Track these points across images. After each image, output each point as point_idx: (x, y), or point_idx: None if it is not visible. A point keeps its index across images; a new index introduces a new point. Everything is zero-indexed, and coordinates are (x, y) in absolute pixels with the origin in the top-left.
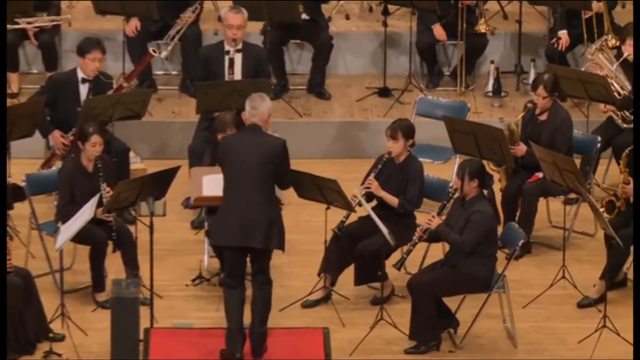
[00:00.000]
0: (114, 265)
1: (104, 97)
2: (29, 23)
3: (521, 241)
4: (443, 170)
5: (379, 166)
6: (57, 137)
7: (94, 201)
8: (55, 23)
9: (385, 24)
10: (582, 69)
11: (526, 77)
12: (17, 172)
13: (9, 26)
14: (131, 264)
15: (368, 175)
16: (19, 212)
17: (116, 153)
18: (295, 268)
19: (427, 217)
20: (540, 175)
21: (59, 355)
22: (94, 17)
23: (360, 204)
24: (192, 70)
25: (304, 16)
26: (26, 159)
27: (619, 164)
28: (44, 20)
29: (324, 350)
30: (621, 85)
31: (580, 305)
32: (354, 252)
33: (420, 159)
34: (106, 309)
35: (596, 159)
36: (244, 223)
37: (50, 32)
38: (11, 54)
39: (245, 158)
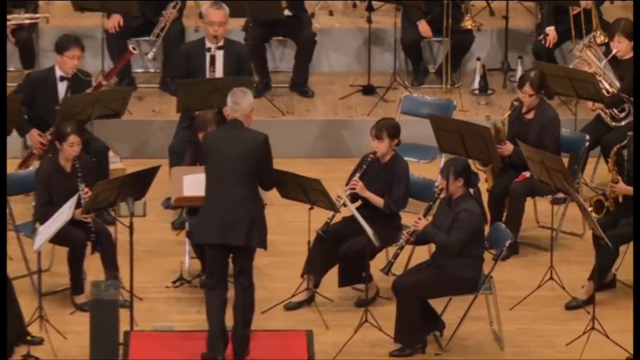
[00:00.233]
0: (93, 267)
1: (83, 96)
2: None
3: (508, 242)
4: (429, 170)
5: (364, 166)
6: (34, 136)
7: (72, 202)
8: (33, 20)
9: (369, 20)
10: (570, 66)
11: (513, 74)
12: None
13: None
14: (110, 265)
15: (353, 175)
16: None
17: (95, 152)
18: (278, 269)
19: (413, 217)
20: (527, 174)
21: (37, 358)
22: (72, 14)
23: (344, 205)
24: (172, 67)
25: (287, 12)
26: None
27: (607, 162)
28: (21, 18)
29: (308, 353)
30: (610, 82)
31: (569, 307)
32: (338, 253)
33: (406, 158)
34: (85, 312)
35: (584, 158)
36: (225, 220)
37: (27, 30)
38: None
39: (226, 154)
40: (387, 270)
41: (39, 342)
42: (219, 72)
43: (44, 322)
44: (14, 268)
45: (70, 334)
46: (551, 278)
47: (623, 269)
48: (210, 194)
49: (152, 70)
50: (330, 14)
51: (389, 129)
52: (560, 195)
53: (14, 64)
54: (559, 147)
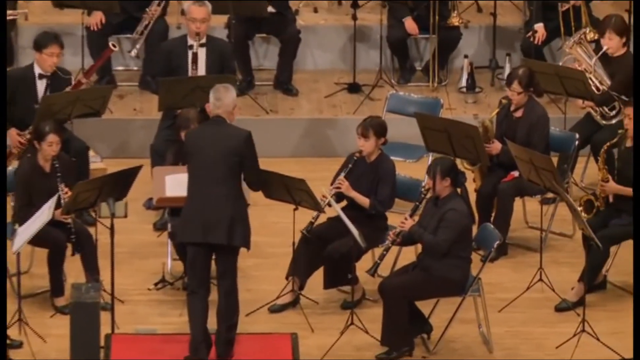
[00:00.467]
0: (74, 269)
1: (63, 94)
2: None
3: (497, 242)
4: (415, 169)
5: (350, 165)
6: (13, 135)
7: (52, 202)
8: (11, 17)
9: (354, 17)
10: (560, 64)
11: (501, 72)
12: None
13: None
14: (91, 267)
15: (338, 174)
16: None
17: (75, 152)
18: (262, 271)
19: (400, 218)
20: (516, 174)
21: None
22: (51, 11)
23: (329, 205)
24: (153, 65)
25: (270, 9)
26: None
27: (597, 161)
28: None
29: (292, 356)
30: (600, 80)
31: (558, 309)
32: (323, 254)
33: (392, 158)
34: (65, 315)
35: (574, 157)
36: (207, 218)
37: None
38: None
39: (208, 151)
40: (372, 271)
41: (18, 345)
42: (202, 70)
43: (23, 325)
44: None
45: (50, 337)
46: (540, 279)
47: (614, 270)
48: (192, 192)
49: (133, 68)
50: (315, 10)
51: (375, 127)
52: (550, 195)
53: None
54: (547, 146)
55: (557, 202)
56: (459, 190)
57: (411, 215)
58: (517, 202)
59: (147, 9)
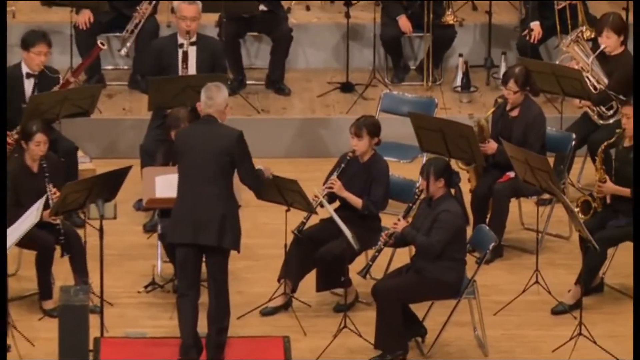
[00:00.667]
0: (62, 272)
1: (51, 93)
2: None
3: (492, 244)
4: (409, 170)
5: (342, 165)
6: None
7: (40, 203)
8: None
9: (347, 15)
10: (556, 62)
11: (496, 71)
12: None
13: None
14: (80, 269)
15: (330, 174)
16: None
17: (64, 152)
18: (254, 273)
19: (394, 219)
20: (511, 174)
21: None
22: (39, 9)
23: (322, 205)
24: (143, 64)
25: (262, 7)
26: None
27: (594, 162)
28: None
29: None
30: (597, 79)
31: (555, 312)
32: (316, 256)
33: (386, 158)
34: (54, 318)
35: (571, 158)
36: (197, 219)
37: None
38: None
39: (198, 150)
40: (364, 273)
41: (6, 349)
42: (192, 69)
43: (11, 329)
44: None
45: (38, 341)
46: (537, 282)
47: (611, 273)
48: (182, 192)
49: (122, 67)
50: (307, 9)
51: (369, 126)
52: (546, 196)
53: None
54: (544, 146)
55: (554, 203)
56: (452, 191)
57: (404, 217)
58: (513, 203)
59: (137, 7)
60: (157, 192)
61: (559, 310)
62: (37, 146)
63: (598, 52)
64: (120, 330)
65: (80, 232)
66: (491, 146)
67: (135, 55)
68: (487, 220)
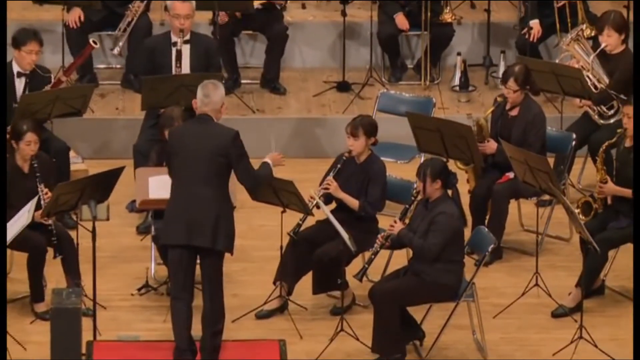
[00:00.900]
0: (54, 274)
1: (42, 93)
2: None
3: (491, 246)
4: (407, 171)
5: (338, 166)
6: None
7: (31, 205)
8: None
9: (344, 14)
10: (556, 61)
11: (495, 70)
12: None
13: None
14: (72, 272)
15: (327, 175)
16: None
17: (55, 153)
18: (249, 276)
19: (390, 220)
20: (511, 175)
21: None
22: (31, 7)
23: (318, 207)
24: (136, 63)
25: (257, 5)
26: None
27: (595, 162)
28: None
29: None
30: (598, 78)
31: (555, 315)
32: (312, 258)
33: (383, 158)
34: (46, 321)
35: (571, 158)
36: (191, 219)
37: None
38: None
39: (193, 150)
40: (360, 276)
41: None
42: (186, 68)
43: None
44: None
45: (30, 344)
46: (536, 284)
47: (612, 275)
48: (175, 192)
49: (115, 66)
50: (303, 7)
51: (365, 126)
52: (546, 197)
53: None
54: (544, 146)
55: (554, 204)
56: (449, 192)
57: (401, 219)
58: (512, 205)
59: (129, 5)
60: (150, 193)
61: (559, 313)
62: (28, 145)
63: (599, 50)
64: (113, 334)
65: (72, 233)
66: (490, 146)
67: (127, 54)
68: (486, 221)
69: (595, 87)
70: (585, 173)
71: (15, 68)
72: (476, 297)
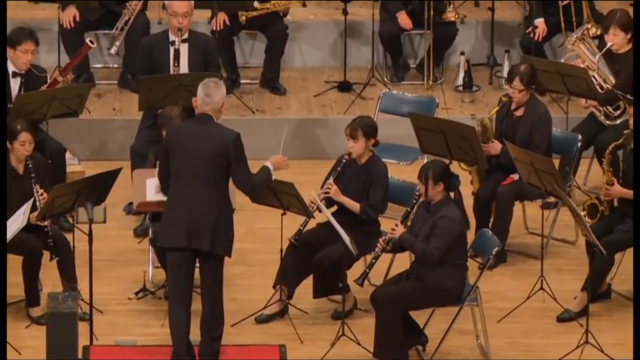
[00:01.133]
0: (50, 278)
1: (38, 93)
2: None
3: (495, 249)
4: (409, 172)
5: (339, 168)
6: None
7: (26, 207)
8: None
9: (345, 12)
10: (562, 61)
11: (499, 69)
12: None
13: None
14: (68, 275)
15: (327, 178)
16: None
17: (51, 154)
18: (249, 279)
19: (393, 223)
20: (515, 177)
21: None
22: (26, 6)
23: (319, 210)
24: (133, 63)
25: (257, 4)
26: None
27: (601, 163)
28: None
29: None
30: (604, 78)
31: (561, 319)
32: (313, 261)
33: (385, 160)
34: (41, 325)
35: (576, 159)
36: (189, 222)
37: None
38: None
39: (192, 150)
40: (361, 281)
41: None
42: (184, 67)
43: None
44: None
45: (25, 349)
46: (542, 288)
47: (618, 279)
48: (174, 194)
49: (112, 65)
50: (304, 5)
51: (364, 128)
52: (551, 199)
53: None
54: (550, 147)
55: (559, 206)
56: (452, 194)
57: (402, 222)
58: (517, 207)
59: (127, 4)
60: (148, 195)
61: (564, 318)
62: (22, 146)
63: (605, 50)
64: (110, 338)
65: (68, 236)
66: (495, 146)
67: (125, 53)
68: (490, 224)
69: (602, 87)
70: (591, 175)
71: (11, 68)
72: (480, 301)
